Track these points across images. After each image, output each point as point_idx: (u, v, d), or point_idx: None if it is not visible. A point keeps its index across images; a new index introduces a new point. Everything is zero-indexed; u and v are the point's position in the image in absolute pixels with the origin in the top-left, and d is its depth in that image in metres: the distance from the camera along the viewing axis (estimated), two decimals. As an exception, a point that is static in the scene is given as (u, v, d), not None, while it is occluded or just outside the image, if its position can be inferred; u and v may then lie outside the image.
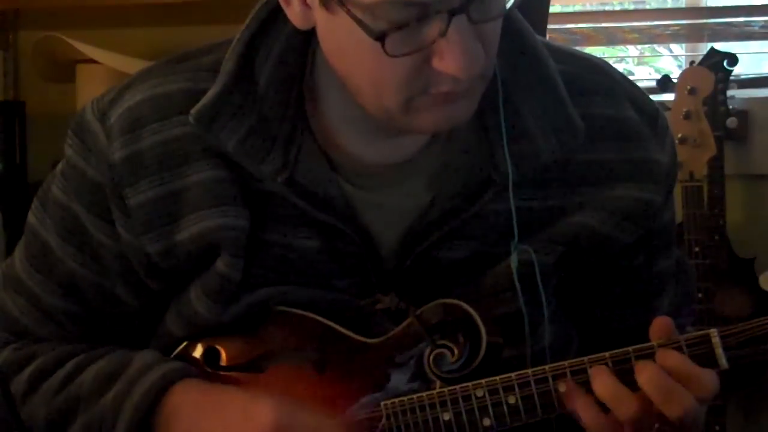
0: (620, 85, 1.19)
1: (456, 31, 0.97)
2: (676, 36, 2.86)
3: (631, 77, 2.95)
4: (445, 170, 1.14)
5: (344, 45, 1.03)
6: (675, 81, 2.36)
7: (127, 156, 1.13)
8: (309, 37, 1.09)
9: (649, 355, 1.04)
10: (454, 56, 0.98)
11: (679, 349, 1.03)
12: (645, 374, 1.02)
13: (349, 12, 0.98)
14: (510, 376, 1.07)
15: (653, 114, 1.19)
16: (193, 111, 1.11)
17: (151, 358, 1.17)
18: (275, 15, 1.09)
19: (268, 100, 1.11)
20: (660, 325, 1.05)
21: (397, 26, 0.97)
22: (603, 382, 1.04)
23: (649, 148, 1.17)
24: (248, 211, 1.12)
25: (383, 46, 0.97)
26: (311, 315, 1.14)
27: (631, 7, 3.05)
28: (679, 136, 2.27)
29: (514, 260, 1.13)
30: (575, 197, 1.15)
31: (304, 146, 1.12)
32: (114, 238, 1.17)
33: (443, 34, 0.97)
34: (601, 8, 2.97)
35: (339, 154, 1.14)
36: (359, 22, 0.97)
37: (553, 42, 1.24)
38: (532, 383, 1.06)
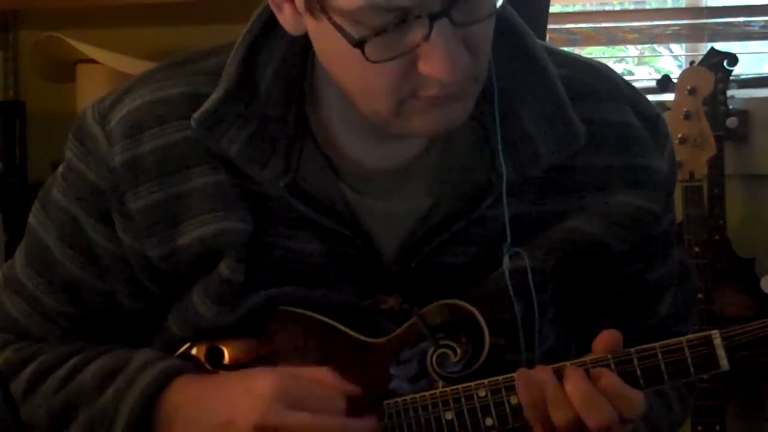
0: (621, 89, 1.19)
1: (439, 35, 0.97)
2: (676, 36, 2.86)
3: (631, 77, 2.97)
4: (445, 175, 1.14)
5: (331, 51, 1.03)
6: (675, 81, 2.36)
7: (127, 160, 1.13)
8: (310, 41, 1.09)
9: (653, 356, 1.04)
10: (438, 60, 0.98)
11: (680, 350, 1.04)
12: (570, 382, 1.03)
13: (330, 19, 0.98)
14: (512, 376, 1.07)
15: (654, 119, 1.19)
16: (195, 116, 1.11)
17: (151, 355, 1.17)
18: (276, 19, 1.09)
19: (269, 105, 1.11)
20: (604, 340, 1.06)
21: (377, 32, 0.97)
22: (546, 381, 1.05)
23: (648, 155, 1.17)
24: (250, 215, 1.12)
25: (363, 52, 0.97)
26: (314, 315, 1.14)
27: (631, 7, 3.05)
28: (679, 136, 2.27)
29: (506, 263, 1.13)
30: (574, 203, 1.15)
31: (306, 150, 1.12)
32: (114, 241, 1.17)
33: (426, 38, 0.97)
34: (601, 8, 2.97)
35: (340, 159, 1.14)
36: (339, 28, 0.97)
37: (553, 46, 1.24)
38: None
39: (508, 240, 1.12)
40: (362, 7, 0.96)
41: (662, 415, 1.22)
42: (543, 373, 1.05)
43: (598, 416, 1.02)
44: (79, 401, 1.17)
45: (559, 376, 1.05)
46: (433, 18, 0.96)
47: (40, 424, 1.19)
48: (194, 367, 1.16)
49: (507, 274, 1.13)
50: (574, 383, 1.03)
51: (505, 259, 1.13)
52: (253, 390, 1.07)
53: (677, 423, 1.29)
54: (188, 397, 1.12)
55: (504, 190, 1.11)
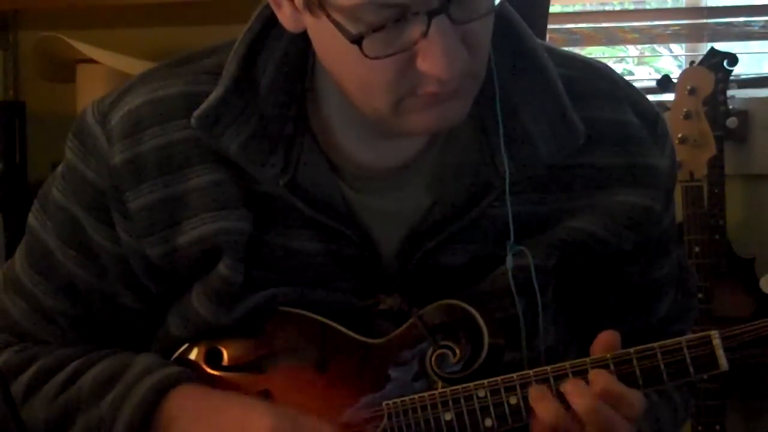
0: (621, 88, 1.19)
1: (437, 32, 0.97)
2: (676, 36, 2.86)
3: (631, 77, 2.96)
4: (445, 174, 1.14)
5: (330, 48, 1.03)
6: (675, 81, 2.36)
7: (127, 159, 1.13)
8: (309, 39, 1.09)
9: (652, 357, 1.04)
10: (436, 57, 0.98)
11: (679, 350, 1.04)
12: (582, 402, 1.03)
13: (328, 16, 0.98)
14: (512, 377, 1.07)
15: (653, 118, 1.19)
16: (195, 114, 1.11)
17: (151, 361, 1.17)
18: (276, 18, 1.09)
19: (269, 103, 1.11)
20: (603, 341, 1.06)
21: (375, 28, 0.97)
22: (548, 409, 1.04)
23: (648, 154, 1.17)
24: (249, 214, 1.12)
25: (361, 48, 0.97)
26: (313, 315, 1.14)
27: (631, 7, 3.06)
28: (679, 136, 2.27)
29: (509, 262, 1.13)
30: (575, 202, 1.15)
31: (306, 149, 1.12)
32: (114, 241, 1.17)
33: (424, 35, 0.97)
34: (601, 8, 2.97)
35: (340, 157, 1.14)
36: (338, 25, 0.98)
37: (553, 45, 1.23)
38: (534, 384, 1.06)
39: (511, 238, 1.12)
40: (360, 3, 0.96)
41: (667, 416, 1.22)
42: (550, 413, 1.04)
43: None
44: (78, 407, 1.17)
45: (558, 376, 1.05)
46: (431, 15, 0.96)
47: (39, 428, 1.19)
48: (193, 374, 1.16)
49: (510, 272, 1.13)
50: (587, 403, 1.03)
51: (509, 258, 1.13)
52: (250, 426, 1.07)
53: (680, 423, 1.29)
54: (186, 411, 1.12)
55: (507, 189, 1.11)
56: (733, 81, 2.39)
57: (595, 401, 1.02)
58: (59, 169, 1.21)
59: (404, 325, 1.13)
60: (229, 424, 1.09)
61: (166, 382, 1.13)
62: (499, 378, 1.08)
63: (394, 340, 1.13)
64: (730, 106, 2.38)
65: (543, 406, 1.05)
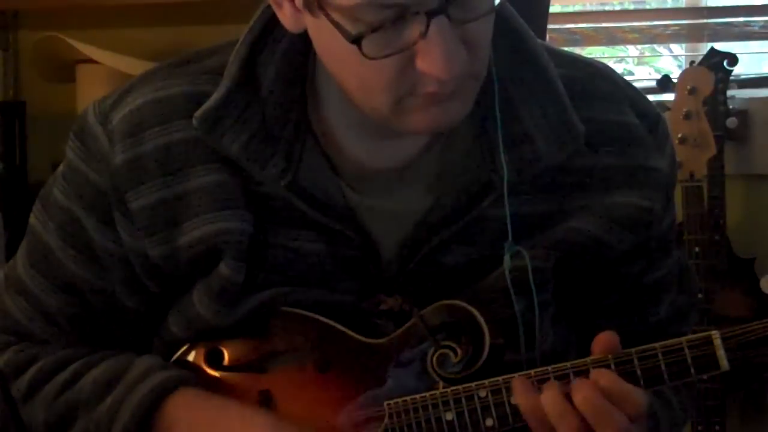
0: (621, 89, 1.19)
1: (436, 32, 0.97)
2: (676, 36, 2.86)
3: (631, 77, 2.96)
4: (446, 174, 1.14)
5: (330, 48, 1.03)
6: (675, 81, 2.36)
7: (129, 159, 1.13)
8: (310, 40, 1.09)
9: (653, 357, 1.04)
10: (435, 57, 0.98)
11: (680, 351, 1.04)
12: (581, 395, 1.03)
13: (327, 15, 0.98)
14: (513, 377, 1.07)
15: (654, 120, 1.19)
16: (196, 114, 1.11)
17: (150, 364, 1.17)
18: (277, 19, 1.09)
19: (270, 103, 1.11)
20: (603, 342, 1.06)
21: (374, 28, 0.97)
22: (549, 397, 1.04)
23: (649, 155, 1.17)
24: (251, 215, 1.13)
25: (360, 48, 0.97)
26: (314, 315, 1.14)
27: (631, 7, 3.06)
28: (679, 136, 2.27)
29: (507, 262, 1.13)
30: (574, 202, 1.15)
31: (307, 149, 1.12)
32: (115, 241, 1.17)
33: (424, 35, 0.97)
34: (601, 8, 2.97)
35: (340, 158, 1.14)
36: (337, 25, 0.98)
37: (553, 46, 1.23)
38: (535, 384, 1.06)
39: (510, 238, 1.12)
40: (360, 3, 0.96)
41: (663, 416, 1.22)
42: (548, 391, 1.04)
43: (612, 428, 1.02)
44: (78, 408, 1.17)
45: (559, 376, 1.05)
46: (430, 15, 0.96)
47: (39, 429, 1.19)
48: (193, 376, 1.16)
49: (507, 272, 1.13)
50: (584, 395, 1.02)
51: (506, 258, 1.13)
52: None
53: (679, 424, 1.29)
54: (184, 416, 1.12)
55: (505, 190, 1.11)
56: (733, 81, 2.39)
57: (592, 392, 1.02)
58: (60, 169, 1.21)
59: (405, 325, 1.13)
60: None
61: (166, 385, 1.13)
62: (500, 378, 1.08)
63: (395, 340, 1.13)
64: (730, 106, 2.37)
65: (525, 399, 1.05)
